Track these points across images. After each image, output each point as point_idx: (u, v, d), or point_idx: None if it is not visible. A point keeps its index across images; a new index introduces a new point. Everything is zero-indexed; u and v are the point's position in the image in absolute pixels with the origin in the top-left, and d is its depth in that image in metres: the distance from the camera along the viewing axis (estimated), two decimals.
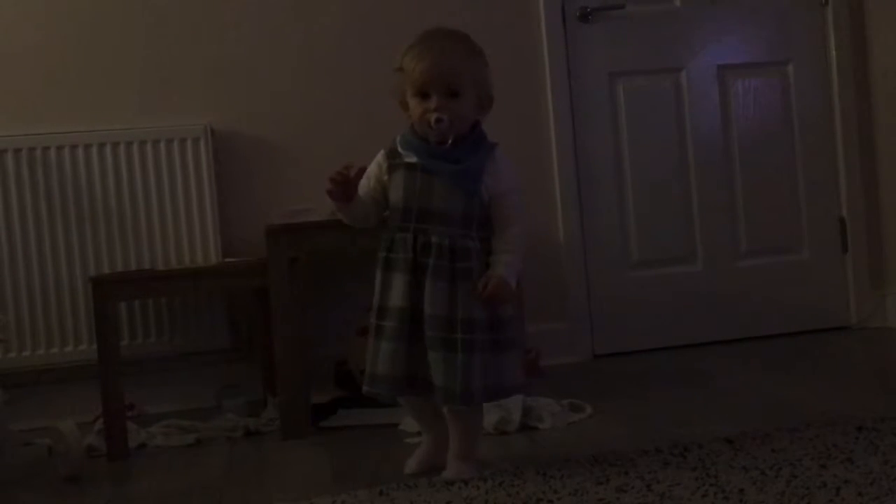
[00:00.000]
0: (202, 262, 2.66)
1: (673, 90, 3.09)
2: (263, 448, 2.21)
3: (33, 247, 2.59)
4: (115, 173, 2.64)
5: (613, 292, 3.02)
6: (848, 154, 3.15)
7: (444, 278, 1.66)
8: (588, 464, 1.72)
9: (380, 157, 1.76)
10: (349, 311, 2.61)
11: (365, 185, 1.75)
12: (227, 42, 2.81)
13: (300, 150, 2.81)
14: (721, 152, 3.11)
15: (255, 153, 2.80)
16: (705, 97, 3.10)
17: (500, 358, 1.70)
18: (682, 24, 3.09)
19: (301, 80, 2.85)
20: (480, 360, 1.66)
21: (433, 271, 1.66)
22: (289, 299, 2.24)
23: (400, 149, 1.73)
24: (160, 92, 2.76)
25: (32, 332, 2.58)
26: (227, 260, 2.65)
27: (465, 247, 1.68)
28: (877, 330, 3.09)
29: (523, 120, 2.97)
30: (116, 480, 2.07)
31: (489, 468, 1.76)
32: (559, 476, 1.66)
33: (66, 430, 2.04)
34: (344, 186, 1.69)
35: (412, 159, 1.71)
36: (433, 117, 1.66)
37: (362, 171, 1.71)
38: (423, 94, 1.68)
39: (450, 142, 1.68)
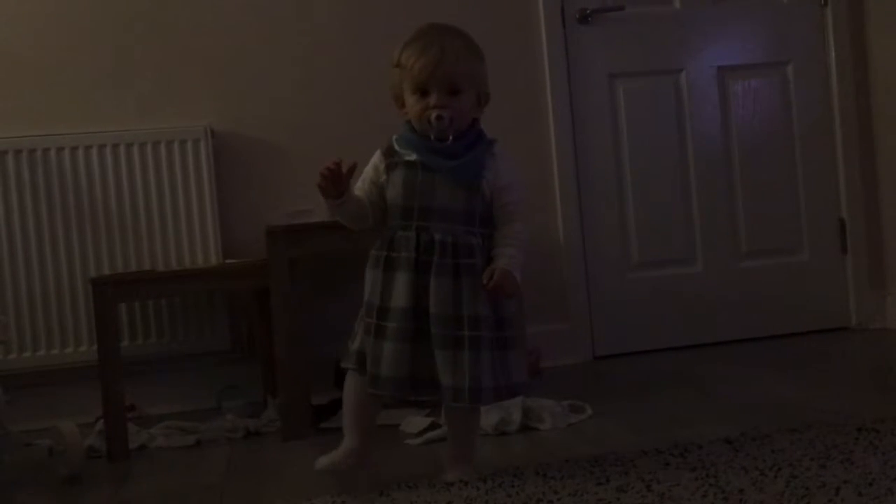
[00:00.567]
0: (202, 263, 2.66)
1: (673, 91, 3.09)
2: (264, 449, 2.21)
3: (34, 248, 2.59)
4: (116, 174, 2.65)
5: (613, 294, 3.03)
6: (847, 155, 3.16)
7: (448, 276, 1.64)
8: (588, 464, 1.72)
9: (376, 157, 1.73)
10: (349, 313, 2.61)
11: (361, 186, 1.72)
12: (227, 44, 2.81)
13: (300, 152, 2.81)
14: (721, 153, 3.11)
15: (256, 154, 2.80)
16: (705, 98, 3.10)
17: (507, 356, 1.68)
18: (681, 25, 3.09)
19: (301, 81, 2.85)
20: (489, 358, 1.64)
21: (437, 269, 1.64)
22: (289, 300, 2.24)
23: (398, 147, 1.71)
24: (160, 93, 2.76)
25: (33, 333, 2.58)
26: (228, 261, 2.65)
27: (469, 243, 1.66)
28: (876, 331, 3.10)
29: (523, 121, 2.98)
30: (117, 481, 2.06)
31: (489, 469, 1.76)
32: (559, 476, 1.66)
33: (66, 431, 2.04)
34: (334, 181, 1.65)
35: (412, 157, 1.68)
36: (433, 114, 1.64)
37: (354, 167, 1.66)
38: (423, 92, 1.66)
39: (450, 139, 1.67)
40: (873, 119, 3.16)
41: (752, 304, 3.08)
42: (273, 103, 2.83)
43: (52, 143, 2.62)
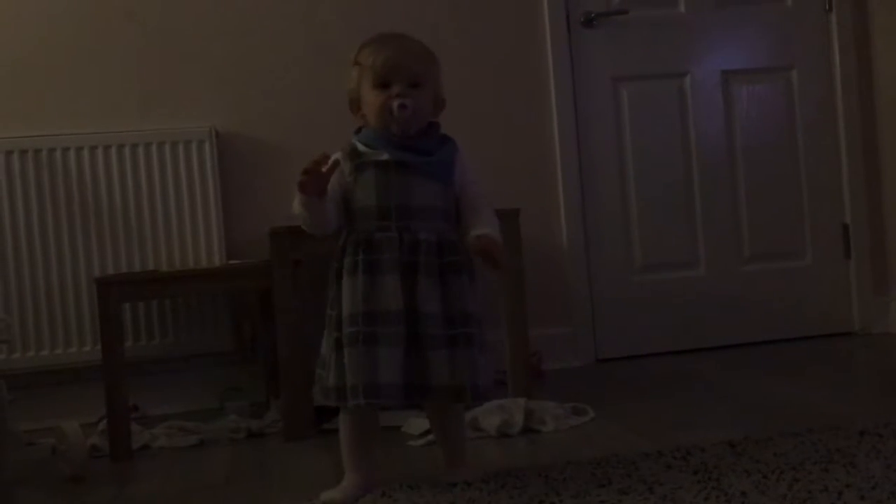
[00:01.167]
0: (206, 263, 2.66)
1: (677, 95, 3.09)
2: (266, 450, 2.21)
3: (38, 248, 2.60)
4: (121, 175, 2.65)
5: (616, 296, 3.03)
6: (851, 160, 3.16)
7: (435, 274, 1.62)
8: (590, 466, 1.72)
9: (338, 158, 1.66)
10: None
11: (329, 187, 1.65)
12: (231, 45, 2.82)
13: (304, 153, 2.78)
14: (724, 157, 3.11)
15: (259, 156, 2.81)
16: (709, 102, 3.10)
17: (485, 357, 1.66)
18: (686, 29, 3.10)
19: (305, 83, 2.86)
20: (480, 355, 1.64)
21: (425, 269, 1.61)
22: (292, 301, 2.25)
23: (362, 148, 1.67)
24: (165, 94, 2.77)
25: (37, 333, 2.58)
26: (231, 262, 2.66)
27: (451, 240, 1.66)
28: (879, 336, 3.09)
29: (527, 124, 2.98)
30: (119, 481, 2.07)
31: (491, 470, 1.76)
32: (561, 478, 1.67)
33: (69, 431, 2.04)
34: (318, 178, 1.59)
35: (383, 156, 1.65)
36: (396, 103, 1.61)
37: (336, 163, 1.61)
38: (384, 84, 1.64)
39: (412, 130, 1.65)
40: (877, 124, 3.16)
41: (754, 309, 3.08)
42: (277, 105, 2.84)
43: (58, 143, 2.63)
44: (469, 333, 1.63)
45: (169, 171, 2.68)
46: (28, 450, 2.03)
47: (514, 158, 2.98)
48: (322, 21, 2.88)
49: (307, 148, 2.86)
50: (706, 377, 2.64)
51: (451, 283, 1.63)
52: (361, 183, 1.65)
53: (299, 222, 1.68)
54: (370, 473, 1.70)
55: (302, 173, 1.59)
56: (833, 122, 3.16)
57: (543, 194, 2.98)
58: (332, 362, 1.63)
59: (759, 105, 3.14)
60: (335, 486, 1.70)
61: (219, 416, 2.48)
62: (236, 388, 2.61)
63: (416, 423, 2.16)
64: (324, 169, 1.59)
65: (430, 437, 2.08)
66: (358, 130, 1.72)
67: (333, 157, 1.65)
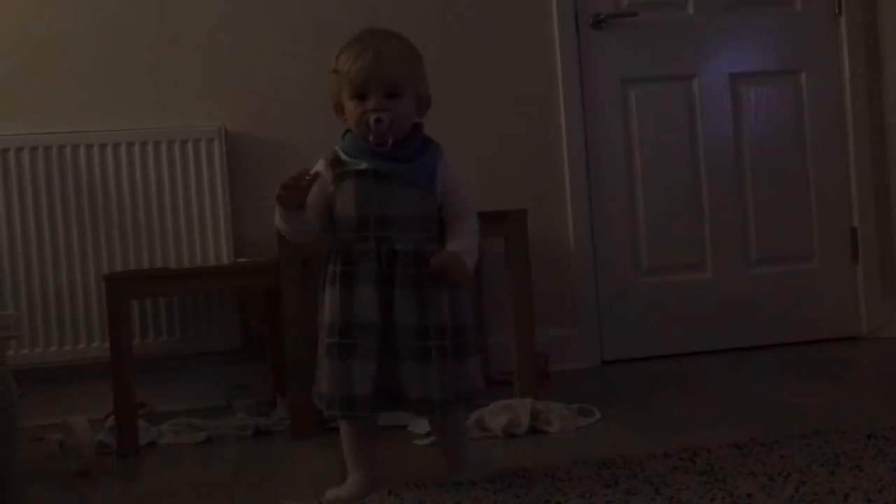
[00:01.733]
0: (214, 261, 2.67)
1: (685, 98, 3.09)
2: (273, 447, 2.22)
3: (48, 244, 2.61)
4: (130, 173, 2.67)
5: (623, 298, 3.03)
6: (860, 163, 3.15)
7: (412, 286, 1.60)
8: (596, 467, 1.72)
9: (320, 167, 1.66)
10: None
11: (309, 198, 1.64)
12: (241, 45, 2.83)
13: (313, 152, 2.77)
14: (732, 160, 3.11)
15: (268, 154, 2.82)
16: (717, 105, 3.10)
17: (464, 362, 1.63)
18: (694, 32, 3.10)
19: (314, 81, 2.86)
20: (452, 366, 1.61)
21: (401, 280, 1.60)
22: (299, 300, 2.25)
23: (344, 156, 1.65)
24: (175, 93, 2.78)
25: (46, 329, 2.60)
26: (239, 260, 2.67)
27: (430, 250, 1.62)
28: (887, 340, 3.09)
29: (535, 126, 2.99)
30: (126, 477, 2.08)
31: (497, 470, 1.77)
32: (567, 478, 1.67)
33: (77, 427, 2.05)
34: (296, 192, 1.59)
35: (362, 165, 1.63)
36: (372, 118, 1.59)
37: (316, 176, 1.61)
38: (361, 96, 1.61)
39: (389, 143, 1.61)
40: (886, 128, 3.16)
41: (761, 312, 3.08)
42: (286, 104, 2.85)
43: (68, 140, 2.64)
44: (442, 346, 1.60)
45: (178, 170, 2.69)
46: (36, 445, 2.04)
47: (521, 160, 2.98)
48: (331, 21, 2.89)
49: (315, 147, 2.86)
50: (712, 380, 2.64)
51: (428, 295, 1.60)
52: (342, 192, 1.64)
53: (281, 231, 1.68)
54: (373, 472, 1.70)
55: (280, 187, 1.59)
56: (842, 126, 3.16)
57: (551, 196, 2.98)
58: (322, 369, 1.65)
59: (767, 108, 3.14)
60: (341, 484, 1.71)
61: (226, 414, 2.49)
62: (243, 385, 2.62)
63: (423, 423, 2.16)
64: (303, 182, 1.59)
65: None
66: (346, 133, 1.70)
67: (315, 167, 1.66)
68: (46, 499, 1.94)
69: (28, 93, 2.71)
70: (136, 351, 2.35)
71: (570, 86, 3.00)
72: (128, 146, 2.67)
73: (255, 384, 2.65)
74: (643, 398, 2.46)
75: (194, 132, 2.71)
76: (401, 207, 1.62)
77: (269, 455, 2.14)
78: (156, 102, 2.77)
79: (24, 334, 2.54)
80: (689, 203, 3.08)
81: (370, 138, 1.61)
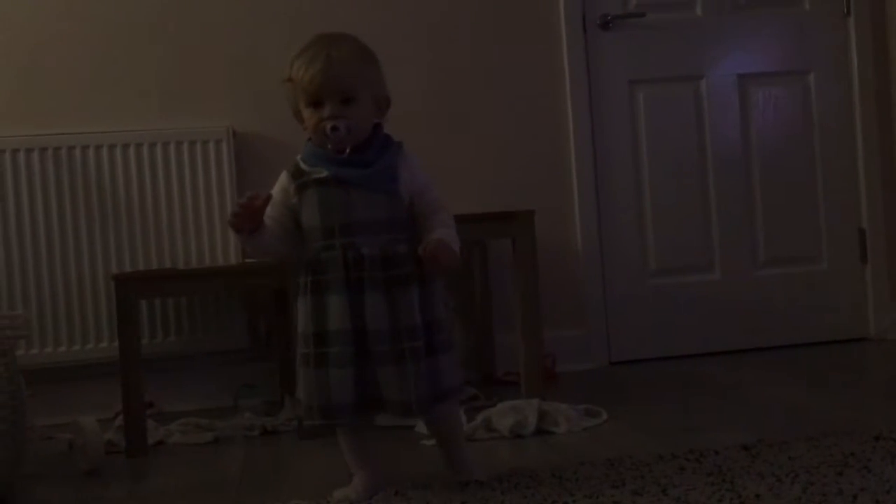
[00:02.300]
0: (222, 262, 2.68)
1: (693, 99, 3.09)
2: (280, 447, 2.23)
3: (57, 244, 2.62)
4: (138, 173, 2.68)
5: (630, 300, 3.03)
6: (868, 164, 3.14)
7: (381, 289, 1.59)
8: (604, 467, 1.72)
9: (284, 179, 1.66)
10: None
11: (270, 212, 1.63)
12: (249, 45, 2.84)
13: None
14: (740, 161, 3.10)
15: (276, 155, 2.81)
16: (725, 106, 3.10)
17: (437, 360, 1.62)
18: (702, 32, 3.09)
19: None
20: (427, 365, 1.60)
21: (369, 284, 1.58)
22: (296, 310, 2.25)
23: (304, 166, 1.64)
24: (183, 94, 2.80)
25: (55, 329, 2.61)
26: (247, 260, 2.67)
27: (396, 252, 1.60)
28: (895, 342, 3.07)
29: (543, 126, 2.99)
30: (135, 476, 2.09)
31: (504, 470, 1.77)
32: (574, 479, 1.67)
33: (86, 426, 2.06)
34: (250, 216, 1.58)
35: (322, 174, 1.61)
36: (328, 126, 1.58)
37: (268, 198, 1.60)
38: (316, 103, 1.60)
39: (348, 149, 1.60)
40: (894, 129, 3.15)
41: (769, 313, 3.07)
42: None
43: (77, 141, 2.65)
44: (415, 347, 1.58)
45: (186, 170, 2.70)
46: (46, 444, 2.05)
47: (529, 160, 2.98)
48: (340, 22, 2.88)
49: None
50: (720, 381, 2.64)
51: (398, 297, 1.59)
52: (306, 202, 1.63)
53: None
54: (376, 471, 1.70)
55: (231, 214, 1.60)
56: (850, 126, 3.15)
57: (558, 196, 2.98)
58: (299, 378, 1.65)
59: (775, 109, 3.13)
60: (348, 484, 1.71)
61: (233, 414, 2.50)
62: (251, 385, 2.63)
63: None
64: (257, 203, 1.58)
65: None
66: (308, 141, 1.68)
67: (279, 180, 1.66)
68: (55, 498, 1.95)
69: (36, 95, 2.72)
70: (144, 351, 2.35)
71: (577, 86, 3.00)
72: (136, 147, 2.68)
73: (262, 384, 2.66)
74: (650, 399, 2.46)
75: (202, 133, 2.72)
76: (364, 212, 1.60)
77: (277, 455, 2.15)
78: (164, 104, 2.78)
79: (33, 334, 2.56)
80: (697, 204, 3.08)
81: (329, 145, 1.61)
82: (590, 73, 3.01)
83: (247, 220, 1.59)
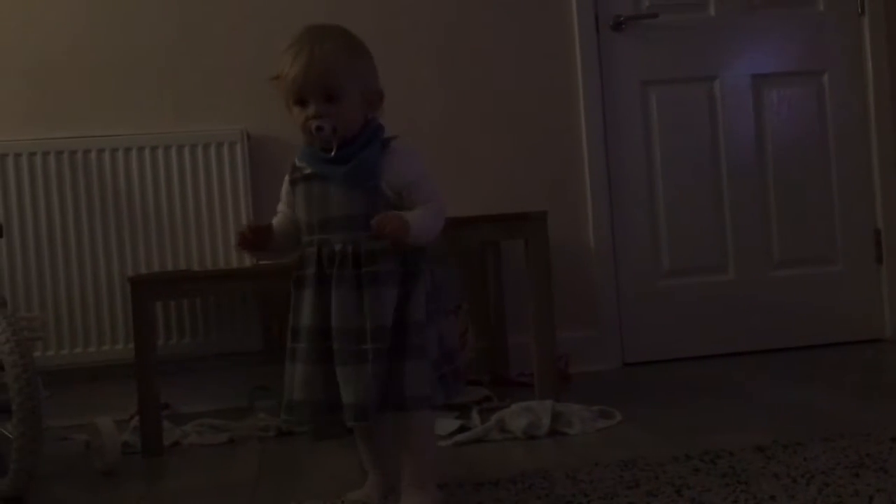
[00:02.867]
0: (236, 263, 2.70)
1: (706, 99, 3.08)
2: (295, 448, 2.23)
3: (73, 247, 2.64)
4: (154, 176, 2.70)
5: (644, 301, 3.02)
6: (884, 164, 3.13)
7: (351, 287, 1.54)
8: (618, 469, 1.72)
9: (270, 223, 1.67)
10: None
11: (281, 207, 1.68)
12: (264, 48, 2.84)
13: None
14: (755, 162, 3.09)
15: (290, 157, 2.77)
16: (739, 106, 3.09)
17: (402, 365, 1.53)
18: (716, 32, 3.09)
19: None
20: (389, 368, 1.53)
21: (337, 281, 1.54)
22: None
23: (298, 162, 1.65)
24: (198, 97, 2.81)
25: (71, 331, 2.63)
26: (261, 262, 2.68)
27: (370, 249, 1.54)
28: None
29: (556, 128, 2.99)
30: (151, 476, 2.10)
31: (518, 472, 1.77)
32: (589, 480, 1.67)
33: (103, 427, 2.08)
34: (256, 240, 1.62)
35: (307, 170, 1.61)
36: (313, 125, 1.55)
37: (269, 229, 1.64)
38: (302, 101, 1.57)
39: (334, 147, 1.56)
40: None
41: (784, 314, 3.06)
42: None
43: (93, 144, 2.68)
44: (380, 349, 1.51)
45: (201, 173, 2.72)
46: (63, 445, 2.06)
47: (542, 161, 2.98)
48: (354, 26, 2.89)
49: None
50: (734, 382, 2.63)
51: (369, 295, 1.53)
52: (297, 198, 1.64)
53: None
54: (388, 472, 1.68)
55: (237, 237, 1.63)
56: (865, 127, 3.13)
57: (571, 197, 2.98)
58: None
59: (789, 109, 3.12)
60: (363, 485, 1.72)
61: (248, 415, 2.51)
62: (265, 386, 2.64)
63: (445, 424, 2.17)
64: (260, 238, 1.62)
65: (459, 437, 2.10)
66: None
67: (286, 177, 1.67)
68: (73, 498, 1.97)
69: (53, 99, 2.75)
70: (159, 352, 2.37)
71: (590, 88, 2.99)
72: (151, 150, 2.70)
73: (276, 385, 2.66)
74: (664, 400, 2.45)
75: (217, 136, 2.73)
76: (341, 208, 1.57)
77: (291, 456, 2.16)
78: (179, 107, 2.80)
79: (50, 336, 2.58)
80: (710, 205, 3.07)
81: (315, 144, 1.59)
82: (602, 75, 3.01)
83: (255, 244, 1.63)
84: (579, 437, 2.08)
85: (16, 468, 1.82)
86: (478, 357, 2.73)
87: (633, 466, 1.73)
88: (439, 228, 1.61)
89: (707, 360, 2.95)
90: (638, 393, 2.61)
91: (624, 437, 2.07)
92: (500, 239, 2.69)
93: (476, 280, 2.88)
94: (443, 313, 1.63)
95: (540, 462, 1.88)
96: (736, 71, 3.09)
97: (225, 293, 2.65)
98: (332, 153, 1.57)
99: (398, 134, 1.65)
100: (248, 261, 2.71)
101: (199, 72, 2.82)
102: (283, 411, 1.60)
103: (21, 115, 2.70)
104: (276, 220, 1.69)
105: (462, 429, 2.15)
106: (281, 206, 1.69)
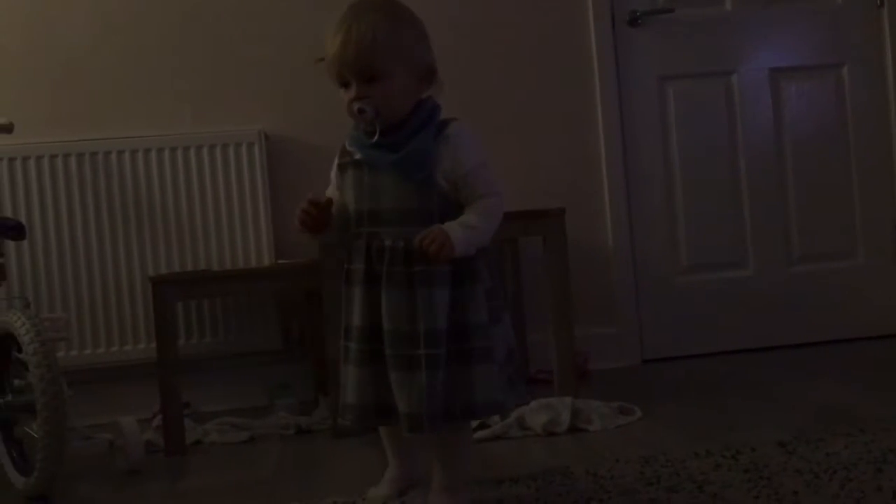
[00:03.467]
0: (255, 263, 2.71)
1: (724, 94, 3.06)
2: (315, 446, 2.25)
3: (95, 248, 2.67)
4: (173, 177, 2.72)
5: (663, 297, 3.01)
6: None
7: (402, 286, 1.43)
8: (638, 465, 1.72)
9: (330, 197, 1.55)
10: None
11: (330, 191, 1.58)
12: (280, 49, 2.86)
13: None
14: (773, 156, 3.07)
15: (307, 157, 2.85)
16: (757, 101, 3.07)
17: (469, 371, 1.44)
18: (732, 27, 3.07)
19: None
20: (444, 376, 1.43)
21: (387, 279, 1.44)
22: (339, 300, 2.26)
23: (348, 145, 1.54)
24: (216, 98, 2.83)
25: (94, 331, 2.66)
26: (280, 262, 2.70)
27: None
28: None
29: (572, 124, 2.98)
30: (173, 475, 2.12)
31: (538, 468, 1.77)
32: (609, 476, 1.67)
33: (126, 426, 2.10)
34: (317, 218, 1.50)
35: (356, 156, 1.51)
36: (355, 108, 1.45)
37: (329, 202, 1.52)
38: (345, 83, 1.47)
39: (377, 133, 1.45)
40: None
41: (804, 309, 3.04)
42: (325, 108, 2.84)
43: (113, 146, 2.70)
44: (434, 355, 1.41)
45: (220, 173, 2.73)
46: (87, 444, 2.08)
47: (559, 158, 2.98)
48: None
49: None
50: (754, 378, 2.61)
51: (420, 296, 1.42)
52: (344, 185, 1.54)
53: None
54: (408, 467, 1.68)
55: (300, 213, 1.51)
56: (885, 120, 3.11)
57: (589, 194, 2.98)
58: None
59: (808, 103, 3.10)
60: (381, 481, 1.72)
61: (268, 413, 2.52)
62: (285, 385, 2.65)
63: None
64: (323, 200, 1.51)
65: (479, 434, 2.10)
66: None
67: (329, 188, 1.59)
68: (97, 496, 1.99)
69: (73, 102, 2.77)
70: (180, 352, 2.39)
71: (607, 83, 2.99)
72: (171, 151, 2.72)
73: (296, 384, 2.68)
74: (684, 397, 2.45)
75: (235, 136, 2.75)
76: (392, 201, 1.46)
77: (312, 454, 2.17)
78: (197, 108, 2.82)
79: (73, 336, 2.61)
80: (729, 200, 3.05)
81: (360, 127, 1.49)
82: (619, 70, 3.00)
83: (315, 224, 1.51)
84: (599, 434, 2.08)
85: (41, 467, 1.84)
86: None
87: (654, 462, 1.73)
88: (495, 227, 1.49)
89: (726, 356, 2.94)
90: (657, 389, 2.60)
91: (644, 433, 2.07)
92: (518, 236, 2.69)
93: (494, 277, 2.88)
94: (503, 311, 1.54)
95: (560, 459, 1.88)
96: (753, 65, 3.07)
97: (244, 293, 2.67)
98: (374, 138, 1.45)
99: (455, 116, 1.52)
100: (266, 260, 2.72)
101: (217, 73, 2.84)
102: (339, 412, 1.57)
103: (42, 119, 2.73)
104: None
105: (482, 426, 2.16)
106: (331, 190, 1.58)
